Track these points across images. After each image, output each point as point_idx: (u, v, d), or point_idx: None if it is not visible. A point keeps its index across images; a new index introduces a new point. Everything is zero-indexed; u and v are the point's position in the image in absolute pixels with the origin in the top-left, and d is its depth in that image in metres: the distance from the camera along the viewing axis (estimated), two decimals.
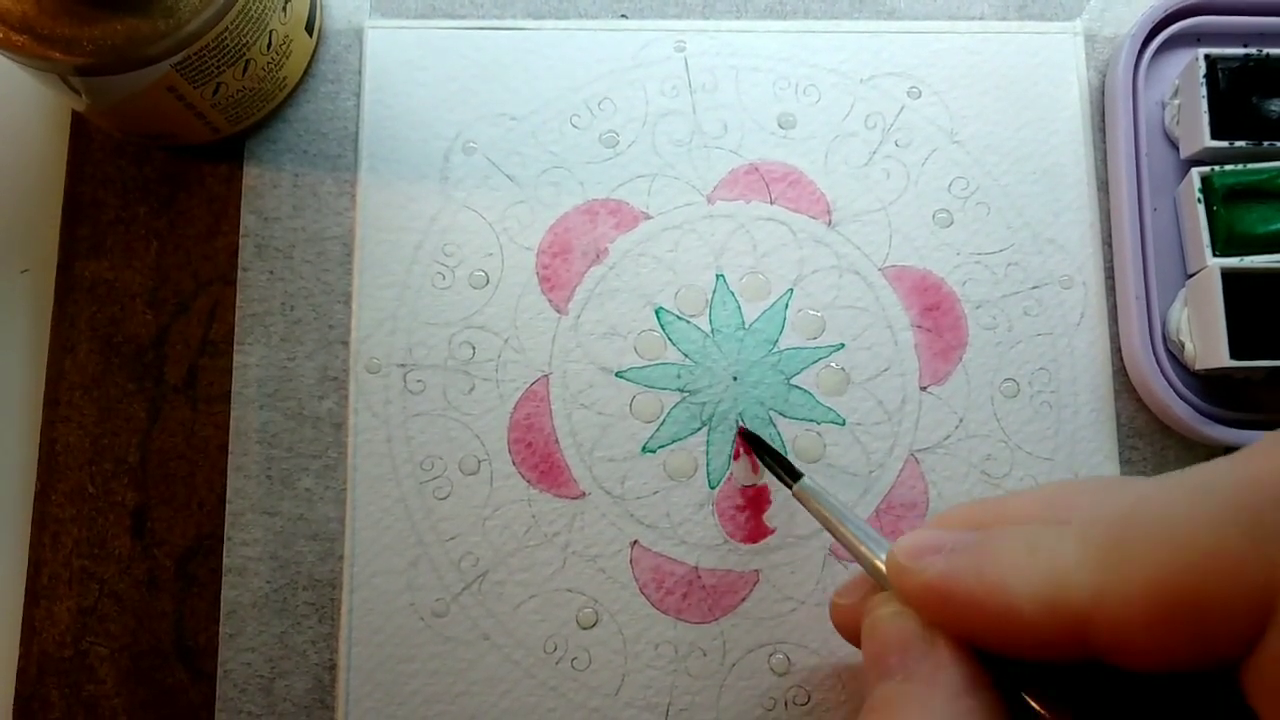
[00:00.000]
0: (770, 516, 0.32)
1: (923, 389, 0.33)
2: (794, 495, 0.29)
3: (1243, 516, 0.18)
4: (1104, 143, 0.35)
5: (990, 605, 0.21)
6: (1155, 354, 0.32)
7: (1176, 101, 0.33)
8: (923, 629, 0.22)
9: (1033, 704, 0.21)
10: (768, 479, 0.32)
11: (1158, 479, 0.21)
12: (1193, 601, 0.18)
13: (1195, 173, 0.32)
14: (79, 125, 0.35)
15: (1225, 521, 0.18)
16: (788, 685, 0.31)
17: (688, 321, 0.33)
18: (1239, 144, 0.32)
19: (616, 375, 0.33)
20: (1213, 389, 0.33)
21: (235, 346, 0.33)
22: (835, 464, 0.32)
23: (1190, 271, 0.33)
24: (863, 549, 0.26)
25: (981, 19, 0.36)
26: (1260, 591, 0.17)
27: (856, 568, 0.32)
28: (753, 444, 0.32)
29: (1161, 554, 0.18)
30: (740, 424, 0.32)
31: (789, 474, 0.29)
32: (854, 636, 0.26)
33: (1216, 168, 0.32)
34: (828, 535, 0.32)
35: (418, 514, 0.32)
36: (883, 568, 0.25)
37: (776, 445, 0.32)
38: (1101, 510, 0.21)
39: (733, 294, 0.34)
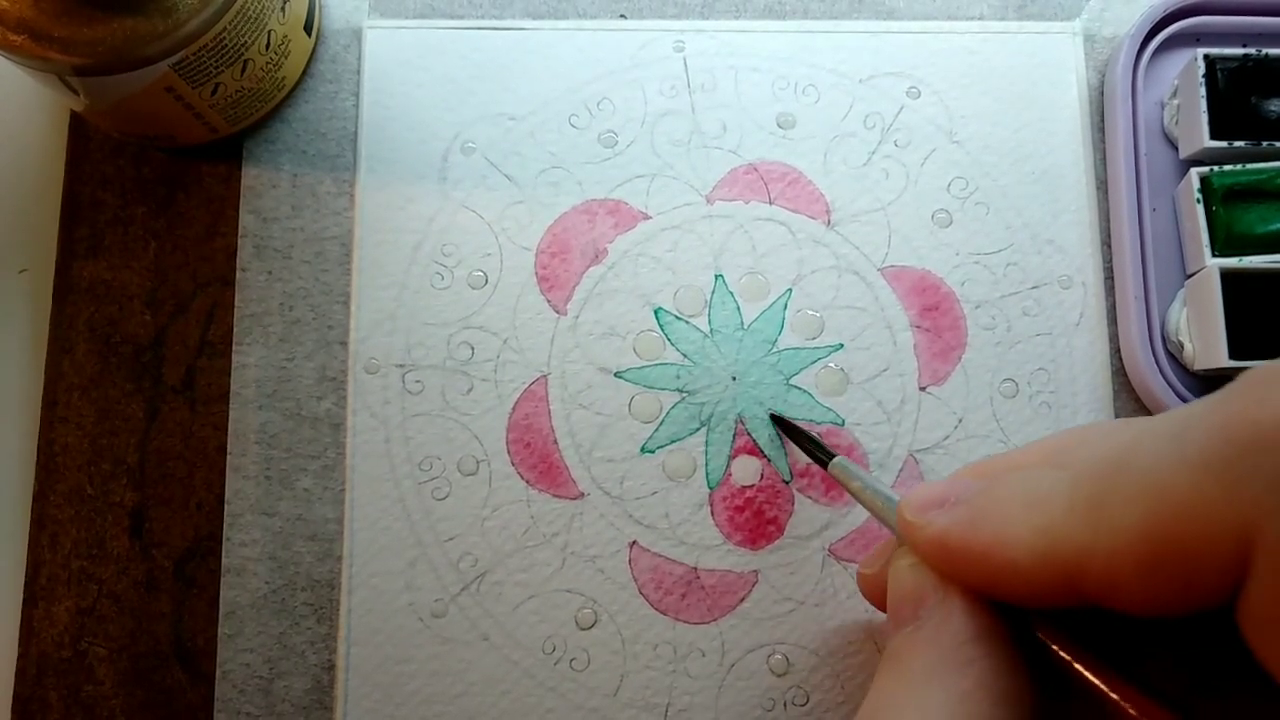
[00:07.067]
0: (770, 516, 0.32)
1: (922, 389, 0.33)
2: (829, 474, 0.29)
3: (1216, 464, 0.18)
4: (1103, 143, 0.35)
5: (988, 557, 0.21)
6: (1154, 354, 0.32)
7: (1175, 101, 0.33)
8: (936, 580, 0.23)
9: (1054, 648, 0.22)
10: (767, 478, 0.32)
11: (1148, 421, 0.21)
12: (1175, 551, 0.18)
13: (1194, 173, 0.32)
14: (77, 125, 0.35)
15: (1200, 469, 0.18)
16: (787, 686, 0.31)
17: (687, 322, 0.33)
18: (1238, 144, 0.32)
19: (615, 375, 0.33)
20: (1212, 389, 0.32)
21: (234, 347, 0.33)
22: None
23: (1189, 271, 0.33)
24: (892, 517, 0.26)
25: (980, 19, 0.36)
26: (1237, 538, 0.18)
27: (855, 567, 0.32)
28: (785, 429, 0.32)
29: (1144, 504, 0.19)
30: (771, 411, 0.33)
31: (823, 454, 0.30)
32: (881, 603, 0.27)
33: (1215, 168, 0.32)
34: (827, 535, 0.32)
35: (416, 514, 0.32)
36: None
37: (775, 445, 0.32)
38: (1093, 457, 0.21)
39: (732, 294, 0.34)
